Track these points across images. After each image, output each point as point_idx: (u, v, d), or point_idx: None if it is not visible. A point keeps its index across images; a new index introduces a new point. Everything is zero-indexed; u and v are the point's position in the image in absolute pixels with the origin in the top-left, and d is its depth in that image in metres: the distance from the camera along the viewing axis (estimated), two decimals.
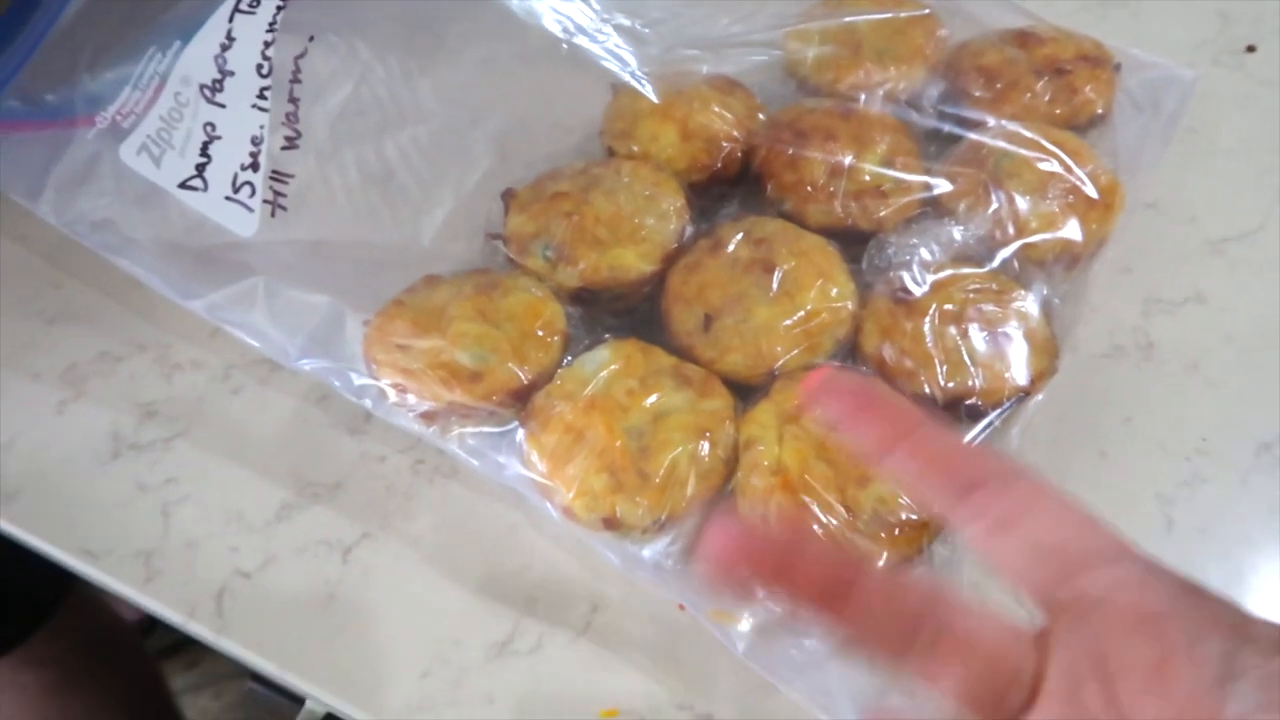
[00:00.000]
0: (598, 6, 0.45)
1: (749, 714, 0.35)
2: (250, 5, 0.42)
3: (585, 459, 0.35)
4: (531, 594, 0.37)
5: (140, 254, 0.41)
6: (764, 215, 0.43)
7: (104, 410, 0.43)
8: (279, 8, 0.42)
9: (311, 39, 0.42)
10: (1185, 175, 0.49)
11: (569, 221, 0.41)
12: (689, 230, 0.42)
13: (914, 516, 0.34)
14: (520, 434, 0.37)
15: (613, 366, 0.37)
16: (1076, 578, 0.21)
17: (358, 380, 0.38)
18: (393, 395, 0.38)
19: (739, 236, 0.41)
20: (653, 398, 0.36)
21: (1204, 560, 0.37)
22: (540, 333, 0.39)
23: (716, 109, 0.44)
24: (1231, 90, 0.54)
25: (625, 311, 0.42)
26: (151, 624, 1.05)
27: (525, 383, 0.37)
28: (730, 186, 0.46)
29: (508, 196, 0.43)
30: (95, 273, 0.47)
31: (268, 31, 0.42)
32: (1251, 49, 0.56)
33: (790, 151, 0.43)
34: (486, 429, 0.38)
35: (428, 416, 0.38)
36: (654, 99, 0.44)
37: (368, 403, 0.38)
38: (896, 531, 0.34)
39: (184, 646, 1.10)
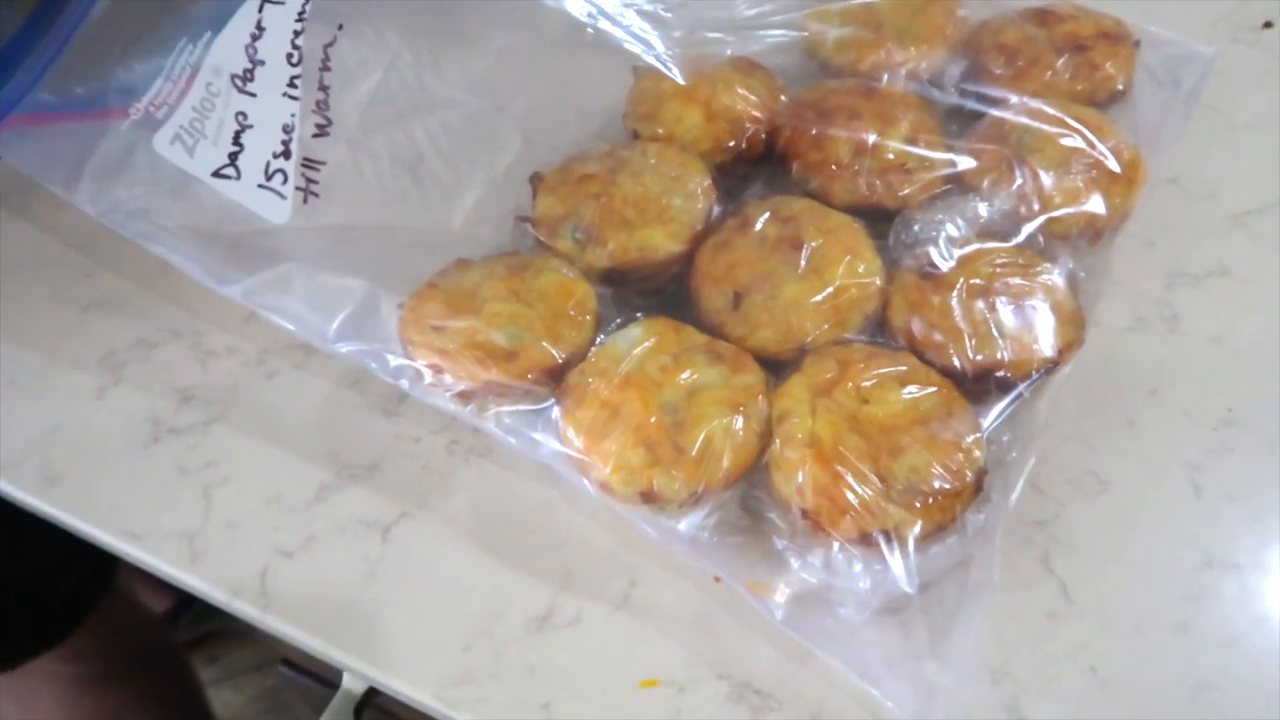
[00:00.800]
0: None
1: (785, 682, 0.35)
2: None
3: (622, 434, 0.36)
4: (568, 568, 0.37)
5: (175, 241, 0.42)
6: (789, 194, 0.43)
7: (142, 396, 0.43)
8: None
9: (340, 27, 0.42)
10: (1206, 150, 0.50)
11: (597, 203, 0.42)
12: (715, 210, 0.43)
13: (947, 485, 0.35)
14: (556, 411, 0.37)
15: (646, 343, 0.38)
16: None
17: (394, 362, 0.39)
18: (429, 376, 0.38)
19: (766, 215, 0.42)
20: (686, 373, 0.37)
21: (1233, 527, 0.38)
22: (572, 312, 0.39)
23: (740, 90, 0.45)
24: (1249, 66, 0.54)
25: (653, 291, 0.43)
26: (175, 618, 1.07)
27: (560, 361, 0.38)
28: (754, 166, 0.46)
29: (535, 180, 0.44)
30: (127, 262, 0.48)
31: (297, 21, 0.42)
32: (1269, 25, 0.56)
33: (814, 131, 0.43)
34: (522, 407, 0.38)
35: (464, 396, 0.38)
36: (680, 81, 0.44)
37: (404, 383, 0.39)
38: (930, 500, 0.35)
39: (206, 641, 1.11)
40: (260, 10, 0.43)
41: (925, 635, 0.35)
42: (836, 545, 0.35)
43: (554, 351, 0.38)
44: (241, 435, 0.42)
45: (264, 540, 0.39)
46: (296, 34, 0.42)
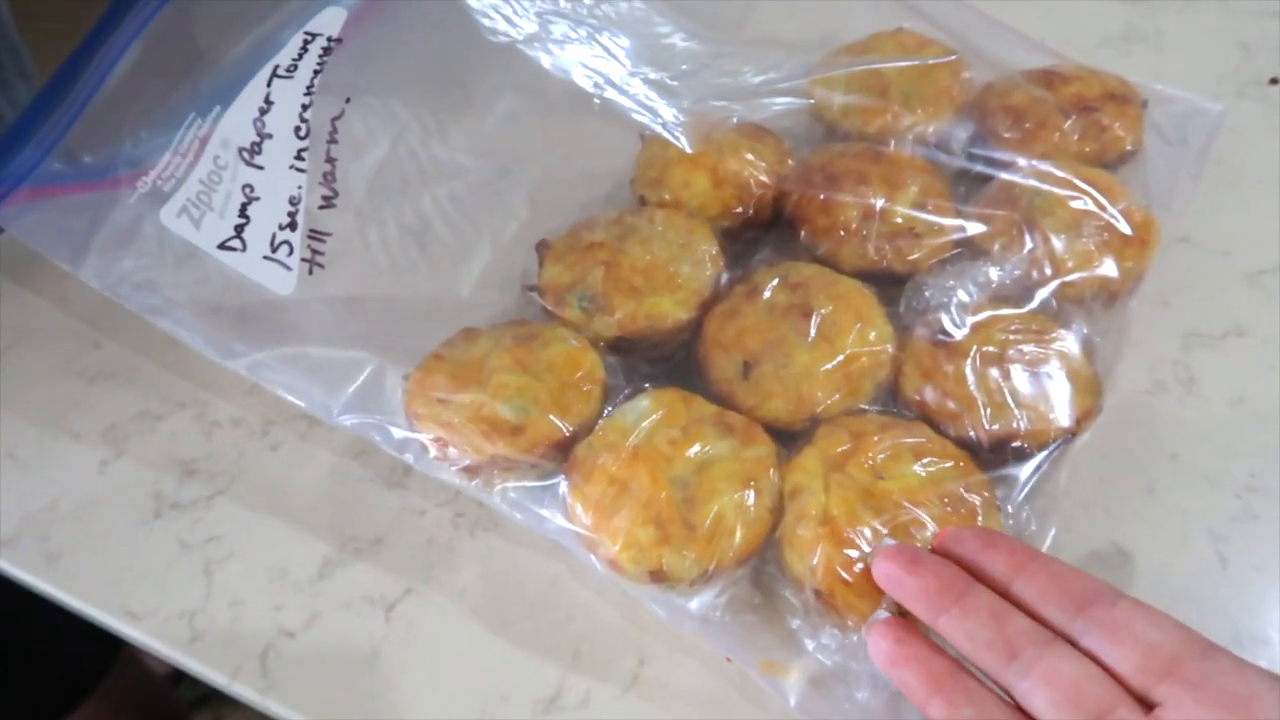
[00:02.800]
0: (627, 61, 0.46)
1: None
2: (288, 70, 0.43)
3: (631, 510, 0.35)
4: (577, 647, 0.37)
5: (181, 314, 0.42)
6: (797, 259, 0.43)
7: (145, 469, 0.43)
8: (315, 72, 0.43)
9: (348, 101, 0.43)
10: (1217, 208, 0.49)
11: (605, 271, 0.42)
12: (724, 277, 0.42)
13: None
14: (563, 486, 0.36)
15: (655, 416, 0.37)
16: (1178, 670, 0.27)
17: (398, 435, 0.38)
18: (433, 450, 0.38)
19: (775, 282, 0.41)
20: (696, 447, 0.36)
21: (1261, 600, 0.37)
22: (580, 382, 0.39)
23: (747, 155, 0.45)
24: (1258, 122, 0.54)
25: (662, 359, 0.42)
26: (178, 677, 1.05)
27: (567, 435, 0.37)
28: (762, 231, 0.46)
29: (542, 248, 0.44)
30: (133, 333, 0.47)
31: (305, 95, 0.43)
32: (1275, 81, 0.56)
33: (823, 196, 0.43)
34: (528, 483, 0.38)
35: (469, 470, 0.38)
36: (688, 148, 0.44)
37: (409, 457, 0.38)
38: None
39: (209, 700, 1.09)
40: (269, 84, 0.43)
41: None
42: (852, 626, 0.34)
43: (561, 425, 0.37)
44: (245, 509, 0.41)
45: (266, 619, 0.38)
46: (305, 108, 0.42)
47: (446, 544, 0.40)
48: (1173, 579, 0.37)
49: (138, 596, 0.39)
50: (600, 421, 0.38)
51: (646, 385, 0.39)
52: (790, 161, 0.46)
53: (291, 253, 0.41)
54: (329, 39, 0.44)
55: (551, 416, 0.37)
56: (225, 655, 0.37)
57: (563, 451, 0.38)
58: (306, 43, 0.44)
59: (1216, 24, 0.60)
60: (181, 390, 0.46)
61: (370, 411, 0.39)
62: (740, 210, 0.45)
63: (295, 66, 0.43)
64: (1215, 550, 0.38)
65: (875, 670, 0.34)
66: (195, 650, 0.37)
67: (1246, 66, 0.57)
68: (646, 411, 0.37)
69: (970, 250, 0.43)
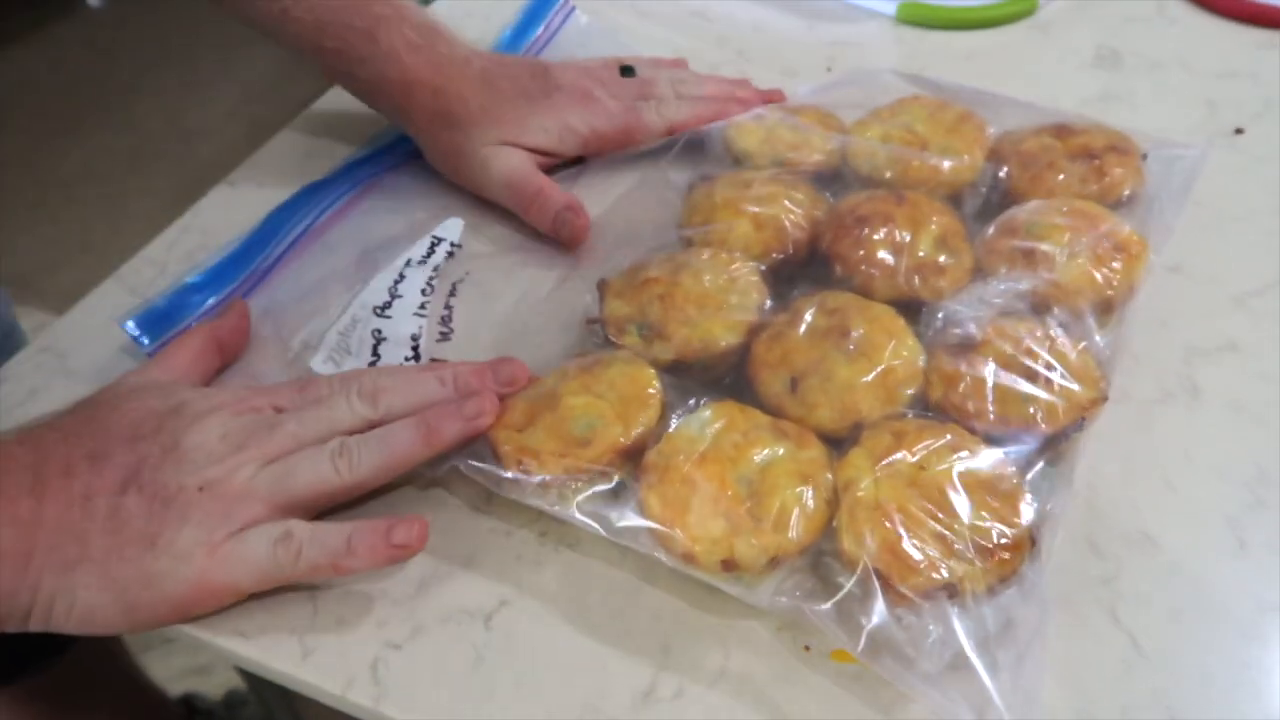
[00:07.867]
0: None
1: None
2: (420, 261, 0.54)
3: (702, 506, 0.39)
4: (665, 643, 0.39)
5: None
6: (833, 292, 0.48)
7: None
8: (437, 266, 0.54)
9: (468, 273, 0.54)
10: (1201, 241, 0.54)
11: (661, 302, 0.46)
12: (768, 305, 0.47)
13: (1004, 540, 0.37)
14: (639, 489, 0.40)
15: (718, 424, 0.41)
16: None
17: (480, 463, 0.42)
18: (512, 471, 0.42)
19: (814, 308, 0.46)
20: (757, 449, 0.40)
21: (1278, 574, 0.40)
22: (641, 396, 0.43)
23: (785, 203, 0.50)
24: (1230, 166, 0.59)
25: (713, 381, 0.47)
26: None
27: (629, 443, 0.41)
28: (798, 269, 0.51)
29: (602, 286, 0.49)
30: None
31: (432, 272, 0.54)
32: (1240, 131, 0.63)
33: (854, 235, 0.48)
34: (599, 487, 0.41)
35: (546, 486, 0.41)
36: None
37: (491, 475, 0.42)
38: (990, 555, 0.37)
39: None
40: (404, 269, 0.54)
41: (997, 684, 0.36)
42: (905, 598, 0.37)
43: (625, 434, 0.41)
44: None
45: (372, 634, 0.40)
46: (431, 279, 0.53)
47: (534, 559, 0.42)
48: (1198, 561, 0.41)
49: (246, 619, 0.41)
50: (668, 431, 0.42)
51: (705, 399, 0.43)
52: (823, 207, 0.52)
53: None
54: (452, 244, 0.55)
55: (616, 427, 0.41)
56: (338, 668, 0.39)
57: (630, 459, 0.41)
58: (434, 244, 0.55)
59: (1183, 85, 0.67)
60: None
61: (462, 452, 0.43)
62: (779, 250, 0.50)
63: (425, 260, 0.54)
64: (1234, 535, 0.42)
65: (928, 642, 0.37)
66: (309, 665, 0.39)
67: (1213, 120, 0.64)
68: (709, 420, 0.41)
69: (982, 274, 0.48)
